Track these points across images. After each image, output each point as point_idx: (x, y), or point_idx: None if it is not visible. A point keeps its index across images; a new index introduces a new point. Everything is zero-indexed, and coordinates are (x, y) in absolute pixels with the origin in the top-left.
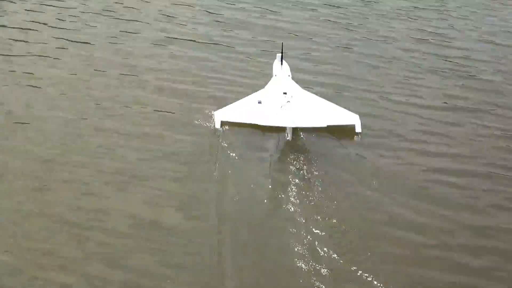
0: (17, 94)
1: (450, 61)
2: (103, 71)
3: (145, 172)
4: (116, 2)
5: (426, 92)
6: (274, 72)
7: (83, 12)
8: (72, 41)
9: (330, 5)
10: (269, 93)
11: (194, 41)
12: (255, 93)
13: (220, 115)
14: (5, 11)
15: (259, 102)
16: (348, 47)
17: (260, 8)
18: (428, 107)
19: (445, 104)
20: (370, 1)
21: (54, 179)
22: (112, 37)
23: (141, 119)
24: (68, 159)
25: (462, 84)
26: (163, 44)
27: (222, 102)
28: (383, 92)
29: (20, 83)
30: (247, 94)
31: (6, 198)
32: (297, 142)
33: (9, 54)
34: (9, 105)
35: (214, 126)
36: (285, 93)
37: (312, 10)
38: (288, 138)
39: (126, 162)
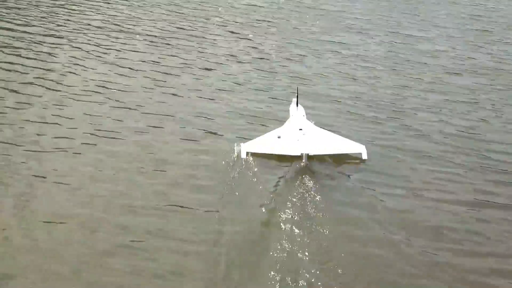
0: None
1: (483, 155)
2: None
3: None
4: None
5: (456, 187)
6: (290, 113)
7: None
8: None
9: (355, 98)
10: (287, 129)
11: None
12: (275, 129)
13: (246, 147)
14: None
15: (279, 137)
16: (376, 141)
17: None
18: (458, 202)
19: (476, 200)
20: (399, 95)
21: None
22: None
23: None
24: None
25: (494, 180)
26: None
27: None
28: (412, 188)
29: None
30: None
31: None
32: (309, 170)
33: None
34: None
35: (240, 155)
36: (300, 129)
37: (336, 102)
38: (303, 164)
39: None
